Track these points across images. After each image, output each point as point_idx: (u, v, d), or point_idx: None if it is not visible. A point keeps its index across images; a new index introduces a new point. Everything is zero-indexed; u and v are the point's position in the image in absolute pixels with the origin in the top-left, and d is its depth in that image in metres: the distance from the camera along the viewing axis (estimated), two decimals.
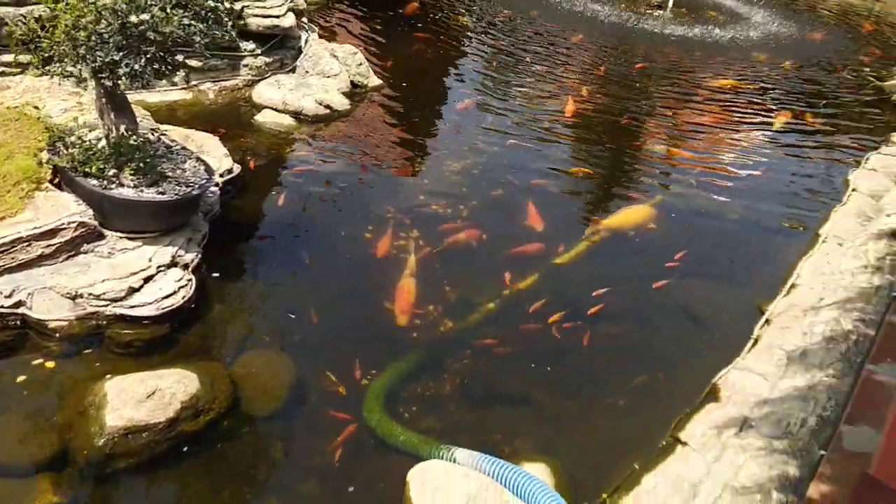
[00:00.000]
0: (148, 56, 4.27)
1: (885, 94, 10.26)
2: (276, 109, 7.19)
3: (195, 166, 5.11)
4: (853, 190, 7.11)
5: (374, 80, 8.26)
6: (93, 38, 4.25)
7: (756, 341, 4.86)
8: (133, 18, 4.13)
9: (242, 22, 7.58)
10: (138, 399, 3.79)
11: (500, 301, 5.29)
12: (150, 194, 4.72)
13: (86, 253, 4.65)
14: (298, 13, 8.37)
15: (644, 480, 3.77)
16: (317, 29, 9.10)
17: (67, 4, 4.24)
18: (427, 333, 4.92)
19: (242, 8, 7.57)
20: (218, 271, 5.02)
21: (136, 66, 4.22)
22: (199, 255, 5.00)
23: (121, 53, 4.20)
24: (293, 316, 4.83)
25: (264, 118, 7.08)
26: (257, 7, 7.65)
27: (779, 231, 6.47)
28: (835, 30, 13.74)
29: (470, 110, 8.39)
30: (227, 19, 4.55)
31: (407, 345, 4.80)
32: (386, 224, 5.97)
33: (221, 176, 5.78)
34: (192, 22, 4.29)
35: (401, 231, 5.95)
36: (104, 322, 4.44)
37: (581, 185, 7.11)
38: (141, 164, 4.69)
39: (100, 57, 4.21)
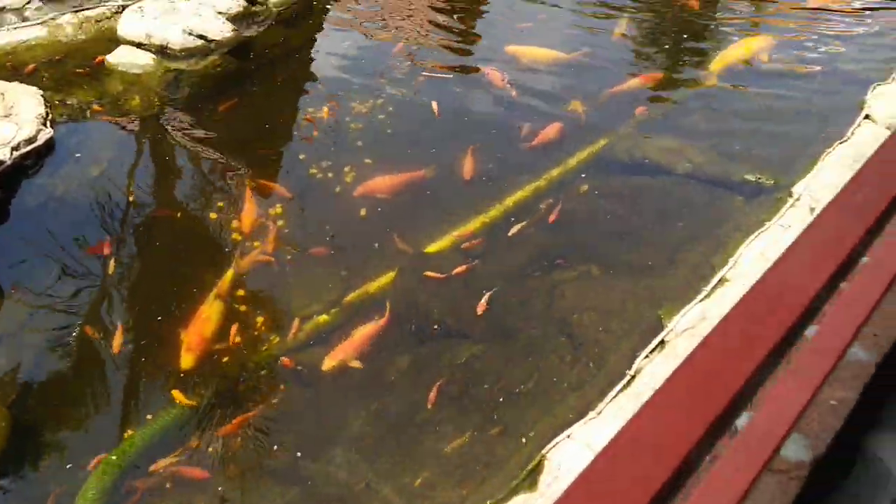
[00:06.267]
0: None
1: None
2: (136, 44, 5.99)
3: None
4: (866, 117, 5.32)
5: None
6: None
7: (632, 379, 3.54)
8: None
9: None
10: None
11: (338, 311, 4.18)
12: None
13: None
14: None
15: None
16: None
17: None
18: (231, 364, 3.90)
19: None
20: None
21: None
22: None
23: None
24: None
25: (118, 58, 5.90)
26: None
27: (740, 186, 4.86)
28: None
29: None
30: None
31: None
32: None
33: (15, 149, 4.76)
34: None
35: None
36: None
37: None
38: None
39: None
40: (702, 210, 4.69)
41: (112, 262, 4.34)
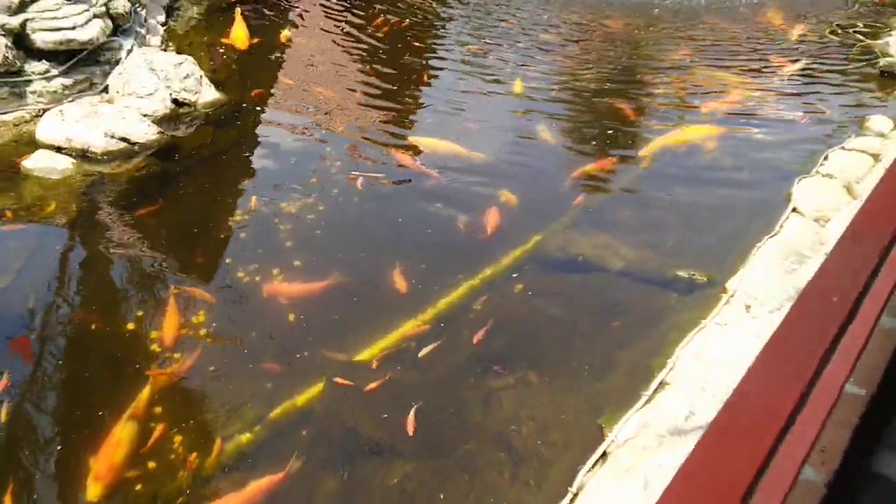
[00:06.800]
0: None
1: (874, 58, 8.33)
2: (56, 148, 5.78)
3: None
4: (793, 210, 5.40)
5: (209, 95, 6.75)
6: None
7: (575, 497, 3.34)
8: None
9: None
10: None
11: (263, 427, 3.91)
12: None
13: None
14: (121, 16, 6.90)
15: None
16: (161, 30, 7.62)
17: None
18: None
19: (25, 21, 6.14)
20: None
21: None
22: None
23: None
24: None
25: (35, 162, 5.67)
26: (46, 18, 6.21)
27: (673, 283, 4.82)
28: None
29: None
30: None
31: None
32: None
33: None
34: None
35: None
36: None
37: None
38: None
39: None
40: (637, 308, 4.61)
41: (12, 383, 4.00)
